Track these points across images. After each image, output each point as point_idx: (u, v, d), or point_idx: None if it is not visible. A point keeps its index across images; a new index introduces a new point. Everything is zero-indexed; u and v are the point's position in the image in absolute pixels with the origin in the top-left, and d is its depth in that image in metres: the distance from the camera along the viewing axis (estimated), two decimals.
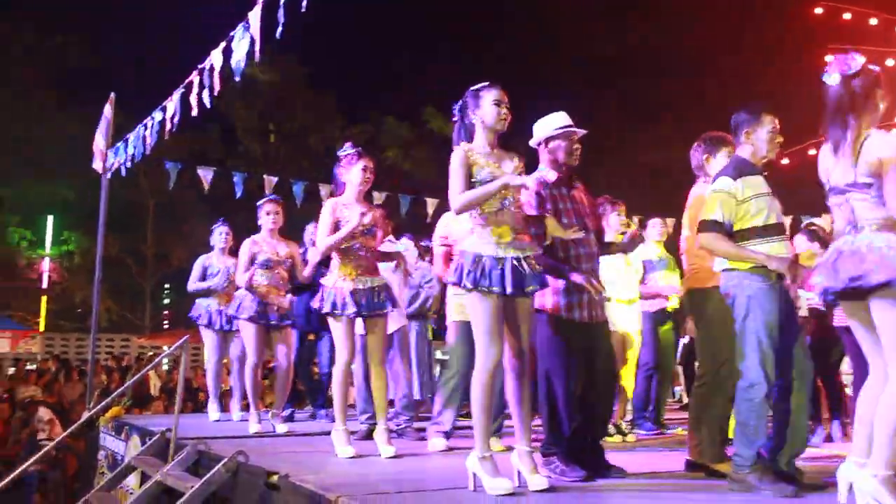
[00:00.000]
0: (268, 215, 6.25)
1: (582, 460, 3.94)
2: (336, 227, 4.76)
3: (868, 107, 3.15)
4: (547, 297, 4.00)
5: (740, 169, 3.69)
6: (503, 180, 3.57)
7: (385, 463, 4.50)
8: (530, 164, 4.13)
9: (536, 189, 3.97)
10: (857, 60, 3.17)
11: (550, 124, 4.16)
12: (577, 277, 3.93)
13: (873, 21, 15.05)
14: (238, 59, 5.79)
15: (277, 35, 5.43)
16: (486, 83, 3.77)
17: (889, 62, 14.97)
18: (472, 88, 3.78)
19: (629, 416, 6.46)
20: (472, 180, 3.64)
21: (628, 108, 25.67)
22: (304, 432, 6.15)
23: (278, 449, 5.09)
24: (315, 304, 4.80)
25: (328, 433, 4.91)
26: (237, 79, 5.95)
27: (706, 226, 3.65)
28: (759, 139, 3.77)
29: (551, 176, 3.82)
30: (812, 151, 13.74)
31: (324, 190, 10.09)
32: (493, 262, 3.54)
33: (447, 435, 5.14)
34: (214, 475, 4.17)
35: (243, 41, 5.76)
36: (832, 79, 3.20)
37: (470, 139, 3.77)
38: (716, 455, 4.05)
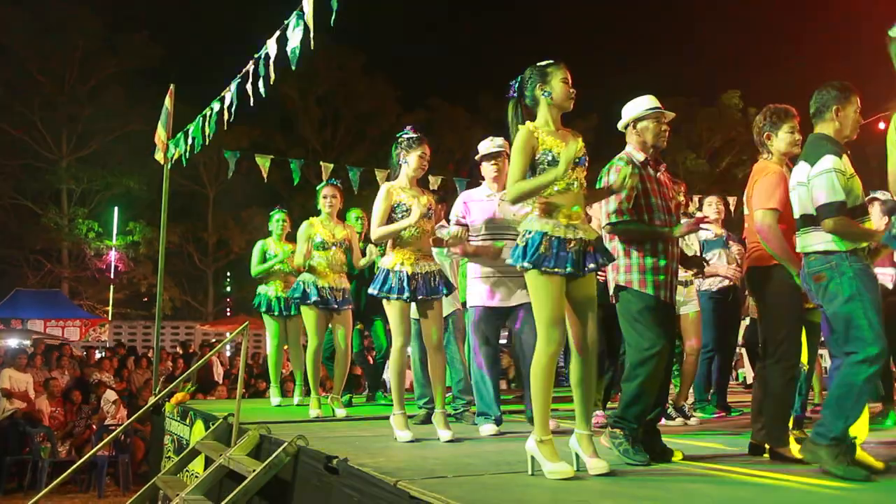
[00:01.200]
0: (325, 199, 6.40)
1: (646, 442, 3.90)
2: (391, 212, 4.77)
3: None
4: (633, 274, 3.97)
5: (838, 146, 3.61)
6: (559, 173, 3.46)
7: (443, 447, 4.50)
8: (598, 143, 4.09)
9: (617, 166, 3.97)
10: None
11: (640, 105, 4.15)
12: (681, 230, 3.96)
13: None
14: (293, 47, 5.82)
15: (331, 23, 5.43)
16: (552, 60, 3.71)
17: None
18: (537, 65, 3.71)
19: (691, 399, 6.36)
20: (538, 161, 3.57)
21: (686, 87, 25.14)
22: (363, 417, 6.21)
23: (338, 433, 5.15)
24: (372, 289, 4.82)
25: (386, 417, 4.94)
26: (293, 67, 5.97)
27: (834, 209, 3.49)
28: (847, 118, 3.68)
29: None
30: (881, 126, 13.29)
31: (380, 175, 10.14)
32: (558, 242, 3.49)
33: (497, 421, 5.15)
34: (275, 459, 4.24)
35: (297, 29, 5.79)
36: (894, 31, 3.05)
37: (530, 117, 3.72)
38: (779, 438, 3.95)
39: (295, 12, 5.73)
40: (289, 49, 5.82)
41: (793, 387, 3.89)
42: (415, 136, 4.89)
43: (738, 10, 26.53)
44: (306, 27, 5.61)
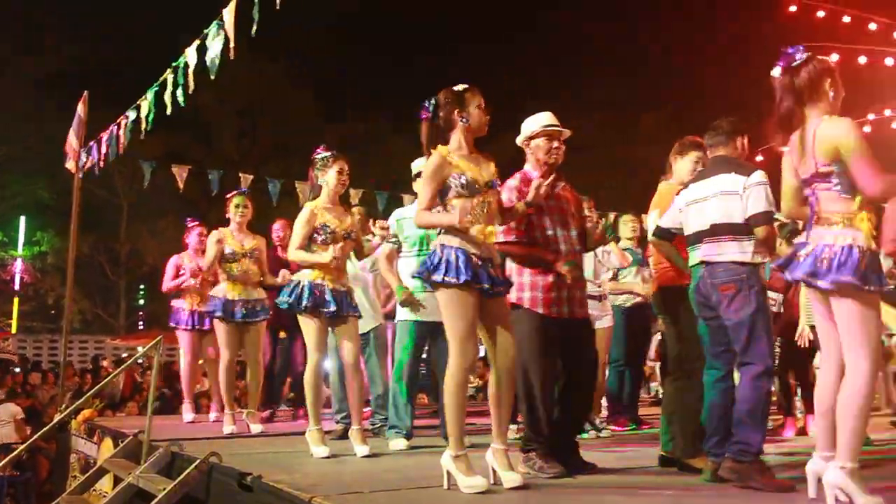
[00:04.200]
0: (236, 208, 6.25)
1: (560, 456, 3.96)
2: (313, 233, 4.75)
3: (815, 97, 3.17)
4: (525, 293, 4.03)
5: None
6: (453, 220, 3.48)
7: (361, 462, 4.48)
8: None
9: (518, 186, 4.02)
10: (801, 53, 3.20)
11: (537, 122, 4.21)
12: (561, 268, 3.96)
13: (846, 18, 15.23)
14: (212, 56, 5.75)
15: (252, 33, 5.39)
16: (467, 85, 3.73)
17: (861, 59, 15.17)
18: (453, 89, 3.72)
19: (604, 413, 6.49)
20: (450, 185, 3.59)
21: (607, 106, 25.75)
22: (281, 432, 6.12)
23: (253, 449, 5.07)
24: (285, 301, 4.75)
25: (305, 433, 4.89)
26: (212, 76, 5.89)
27: (770, 218, 3.67)
28: (745, 145, 3.96)
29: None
30: (784, 149, 13.90)
31: (300, 188, 10.06)
32: (471, 258, 3.52)
33: (407, 435, 5.16)
34: (187, 477, 4.13)
35: (217, 39, 5.71)
36: (776, 72, 3.23)
37: (444, 139, 3.74)
38: (689, 450, 4.08)
39: (215, 21, 5.66)
40: (208, 58, 5.74)
41: (702, 401, 4.01)
42: (328, 153, 4.88)
43: (659, 37, 27.41)
44: (226, 36, 5.54)
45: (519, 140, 4.27)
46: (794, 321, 5.88)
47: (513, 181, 4.10)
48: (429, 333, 5.28)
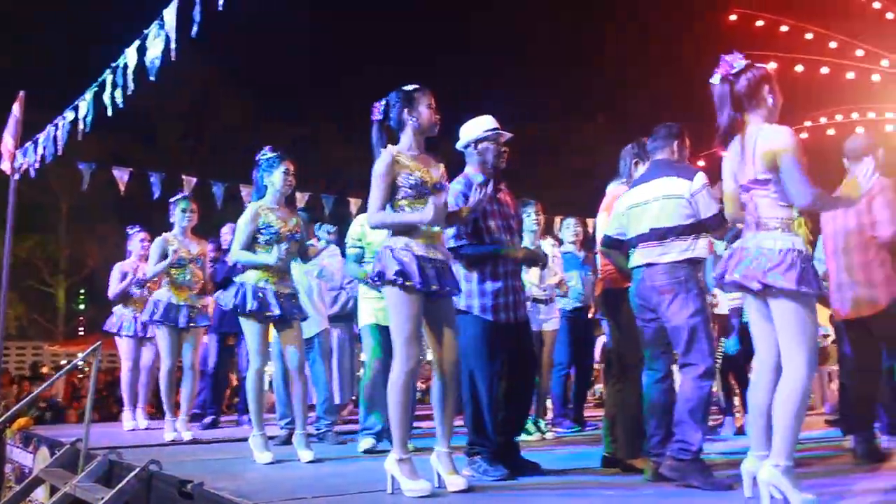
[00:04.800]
0: (182, 213, 6.15)
1: (504, 459, 3.98)
2: (256, 233, 4.69)
3: (754, 104, 3.24)
4: (474, 299, 4.05)
5: None
6: (425, 217, 3.50)
7: (304, 468, 4.45)
8: (458, 165, 4.19)
9: (463, 190, 4.02)
10: (740, 61, 3.26)
11: (479, 126, 4.22)
12: (515, 252, 4.04)
13: (784, 28, 15.66)
14: (153, 57, 5.65)
15: (193, 34, 5.31)
16: (418, 86, 3.73)
17: (798, 68, 15.61)
18: (403, 89, 3.72)
19: (550, 415, 6.55)
20: (399, 185, 3.59)
21: (555, 110, 26.03)
22: (224, 438, 6.04)
23: (195, 456, 4.98)
24: (229, 304, 4.68)
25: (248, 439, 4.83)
26: (152, 77, 5.79)
27: (723, 216, 3.68)
28: (684, 149, 4.04)
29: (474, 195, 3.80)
30: (725, 153, 14.21)
31: (245, 191, 9.94)
32: (419, 260, 3.52)
33: (378, 437, 5.16)
34: (126, 486, 4.04)
35: (158, 39, 5.62)
36: (715, 79, 3.29)
37: (392, 141, 3.74)
38: (630, 450, 4.14)
39: (155, 22, 5.56)
40: (148, 59, 5.64)
41: (641, 402, 4.07)
42: (274, 154, 4.83)
43: (601, 41, 27.82)
44: (167, 37, 5.45)
45: (461, 144, 4.28)
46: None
47: (457, 185, 4.11)
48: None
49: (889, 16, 15.30)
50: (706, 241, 3.91)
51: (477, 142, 4.20)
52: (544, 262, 4.55)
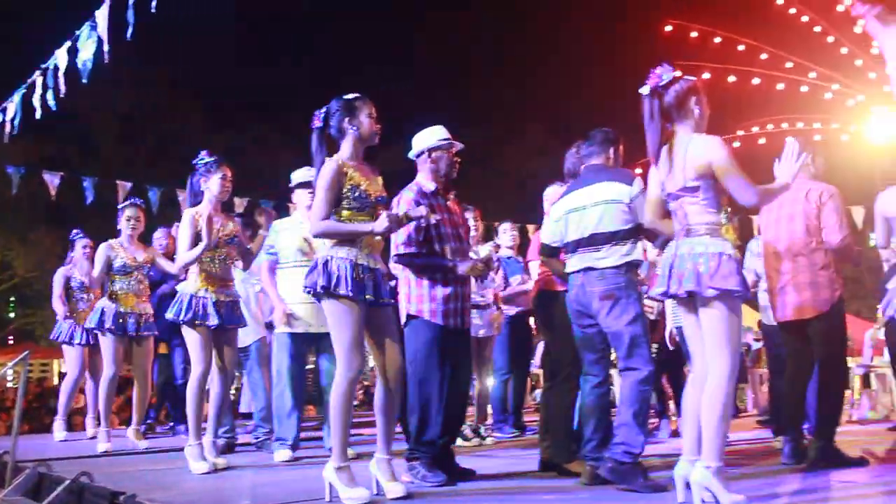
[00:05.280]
0: (128, 221, 6.04)
1: (442, 465, 4.00)
2: (196, 238, 4.64)
3: (682, 115, 3.33)
4: (424, 304, 4.07)
5: None
6: (378, 228, 3.51)
7: (240, 477, 4.39)
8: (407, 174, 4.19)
9: (415, 198, 4.05)
10: (668, 73, 3.35)
11: (433, 136, 4.26)
12: (462, 268, 4.06)
13: (717, 39, 16.09)
14: (84, 59, 5.53)
15: (128, 36, 5.23)
16: (358, 94, 3.73)
17: (731, 78, 16.05)
18: (344, 98, 3.71)
19: (489, 420, 6.59)
20: (344, 196, 3.58)
21: (493, 117, 26.21)
22: (160, 448, 5.92)
23: (129, 467, 4.88)
24: (170, 314, 4.65)
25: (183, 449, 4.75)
26: (84, 80, 5.66)
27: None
28: (618, 155, 4.11)
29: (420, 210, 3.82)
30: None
31: (181, 196, 9.78)
32: (361, 269, 3.52)
33: (293, 447, 5.11)
34: (55, 499, 3.94)
35: (90, 41, 5.50)
36: (644, 91, 3.37)
37: (334, 148, 3.73)
38: (566, 454, 4.19)
39: (87, 23, 5.44)
40: (80, 61, 5.51)
41: (577, 406, 4.13)
42: (211, 159, 4.78)
43: (543, 49, 28.14)
44: (100, 39, 5.34)
45: (414, 153, 4.30)
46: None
47: (409, 193, 4.13)
48: (310, 345, 5.24)
49: (817, 29, 15.86)
50: (643, 245, 3.99)
51: (430, 150, 4.23)
52: (495, 268, 4.60)
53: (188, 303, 4.60)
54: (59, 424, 6.72)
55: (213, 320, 4.58)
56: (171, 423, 7.37)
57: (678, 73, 3.36)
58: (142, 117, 26.49)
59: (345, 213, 3.58)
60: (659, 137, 3.33)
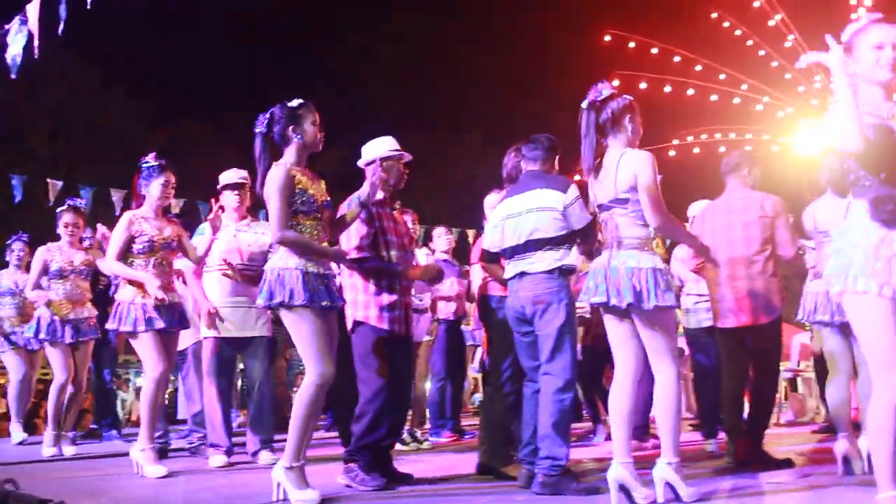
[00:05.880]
0: (66, 227, 5.88)
1: (380, 468, 4.01)
2: (131, 241, 4.57)
3: (618, 129, 3.48)
4: (371, 310, 4.07)
5: None
6: (338, 258, 3.63)
7: (175, 482, 4.29)
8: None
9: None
10: (607, 88, 3.51)
11: (384, 146, 4.29)
12: (414, 274, 4.14)
13: (654, 50, 16.46)
14: (14, 54, 5.36)
15: (59, 31, 5.10)
16: (303, 101, 3.71)
17: (666, 88, 16.42)
18: (288, 105, 3.68)
19: (427, 424, 6.61)
20: (294, 201, 3.55)
21: (431, 123, 26.26)
22: (94, 454, 5.79)
23: (60, 474, 4.75)
24: (111, 324, 4.58)
25: (120, 454, 4.64)
26: (13, 75, 5.49)
27: (593, 228, 3.83)
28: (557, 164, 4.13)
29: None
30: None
31: (116, 195, 9.57)
32: (313, 277, 3.51)
33: (227, 452, 5.05)
34: None
35: (20, 36, 5.34)
36: (584, 104, 3.51)
37: (278, 154, 3.70)
38: (503, 458, 4.22)
39: (17, 18, 5.29)
40: (9, 56, 5.35)
41: (516, 410, 4.15)
42: (155, 164, 4.70)
43: (482, 57, 28.32)
44: (30, 34, 5.20)
45: (363, 161, 4.32)
46: (598, 331, 6.19)
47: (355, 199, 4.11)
48: (238, 349, 5.19)
49: (749, 43, 16.35)
50: (577, 251, 4.04)
51: (382, 160, 4.24)
52: (441, 276, 4.62)
53: (126, 311, 4.52)
54: (15, 427, 6.58)
55: (158, 324, 4.51)
56: (95, 427, 7.20)
57: (615, 91, 3.51)
58: (74, 114, 25.78)
59: (293, 218, 3.57)
60: (594, 150, 3.46)
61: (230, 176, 5.31)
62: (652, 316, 3.31)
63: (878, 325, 2.54)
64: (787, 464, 4.47)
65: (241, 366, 6.03)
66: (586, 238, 3.91)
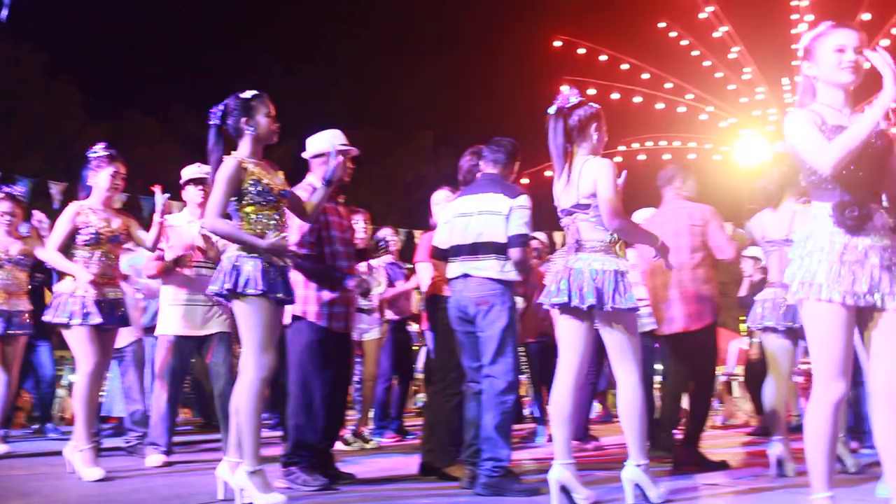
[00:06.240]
0: (2, 216, 5.64)
1: (322, 468, 3.98)
2: (74, 233, 4.45)
3: (584, 137, 3.55)
4: (310, 305, 4.02)
5: None
6: (262, 245, 3.43)
7: (111, 484, 4.17)
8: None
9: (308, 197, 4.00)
10: (575, 96, 3.56)
11: (331, 140, 4.21)
12: (351, 283, 4.07)
13: (603, 57, 16.68)
14: None
15: (2, 16, 4.95)
16: (257, 92, 3.66)
17: (614, 95, 16.66)
18: (241, 97, 3.62)
19: (371, 425, 6.59)
20: (246, 191, 3.50)
21: (381, 122, 26.21)
22: (27, 452, 5.65)
23: None
24: (48, 316, 4.43)
25: (52, 453, 4.51)
26: None
27: (527, 241, 3.86)
28: (516, 171, 4.19)
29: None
30: (548, 173, 14.97)
31: (55, 188, 9.32)
32: (273, 270, 3.46)
33: (166, 451, 4.98)
34: None
35: None
36: (551, 111, 3.56)
37: (232, 146, 3.64)
38: (447, 458, 4.23)
39: None
40: None
41: (460, 411, 4.17)
42: (104, 153, 4.59)
43: (433, 56, 28.39)
44: None
45: (309, 154, 4.28)
46: (548, 331, 6.25)
47: (301, 192, 4.08)
48: (195, 347, 5.11)
49: (695, 53, 16.68)
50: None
51: (327, 154, 4.16)
52: (369, 290, 4.61)
53: (64, 303, 4.39)
54: None
55: (95, 319, 4.38)
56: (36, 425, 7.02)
57: (583, 98, 3.58)
58: (12, 100, 25.01)
59: (249, 208, 3.52)
60: (562, 155, 3.52)
61: (193, 171, 5.22)
62: (613, 317, 3.39)
63: (836, 335, 2.56)
64: (722, 466, 4.58)
65: None
66: (511, 246, 3.83)
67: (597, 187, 3.39)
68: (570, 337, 3.50)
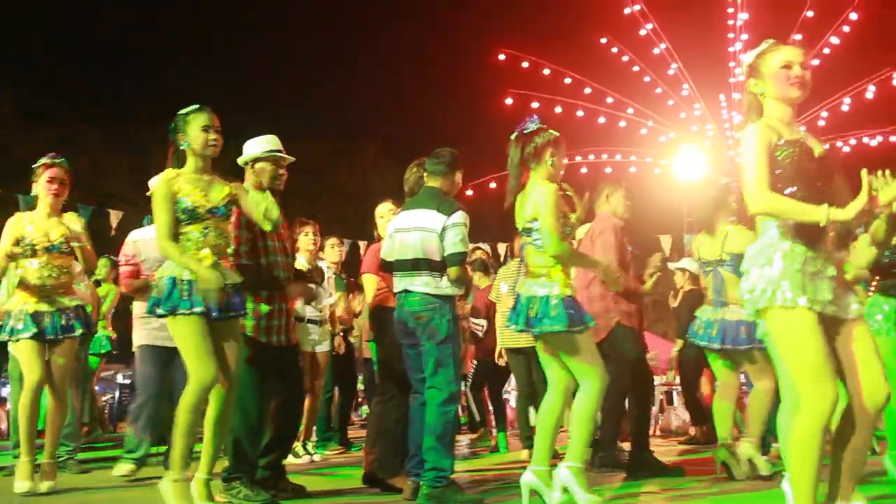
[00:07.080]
0: None
1: (270, 483, 3.94)
2: (16, 244, 4.35)
3: (539, 162, 3.65)
4: (247, 321, 3.94)
5: None
6: (203, 276, 3.40)
7: (49, 499, 4.10)
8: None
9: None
10: (534, 122, 3.69)
11: (260, 145, 4.13)
12: (294, 290, 4.12)
13: (546, 71, 16.90)
14: None
15: None
16: (195, 106, 3.63)
17: (557, 109, 16.89)
18: (178, 112, 3.61)
19: (315, 437, 6.55)
20: (176, 207, 3.47)
21: (327, 132, 26.11)
22: None
23: None
24: None
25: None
26: None
27: (463, 259, 3.91)
28: (459, 182, 4.18)
29: None
30: (493, 185, 15.09)
31: None
32: (190, 285, 3.42)
33: (140, 462, 4.92)
34: None
35: None
36: (513, 136, 3.70)
37: (183, 163, 3.61)
38: (390, 469, 4.23)
39: None
40: None
41: (404, 422, 4.18)
42: (47, 160, 4.52)
43: (381, 68, 28.46)
44: None
45: (241, 160, 4.20)
46: (488, 346, 6.33)
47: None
48: (168, 359, 4.98)
49: (636, 69, 17.02)
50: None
51: (255, 161, 4.13)
52: (315, 297, 4.58)
53: (9, 317, 4.34)
54: None
55: (30, 331, 4.27)
56: None
57: (543, 125, 3.70)
58: None
59: (182, 226, 3.49)
60: (518, 179, 3.66)
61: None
62: (551, 340, 3.55)
63: (808, 338, 2.47)
64: (677, 472, 4.67)
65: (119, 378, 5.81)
66: (450, 265, 3.84)
67: (539, 213, 3.51)
68: (543, 356, 3.69)
